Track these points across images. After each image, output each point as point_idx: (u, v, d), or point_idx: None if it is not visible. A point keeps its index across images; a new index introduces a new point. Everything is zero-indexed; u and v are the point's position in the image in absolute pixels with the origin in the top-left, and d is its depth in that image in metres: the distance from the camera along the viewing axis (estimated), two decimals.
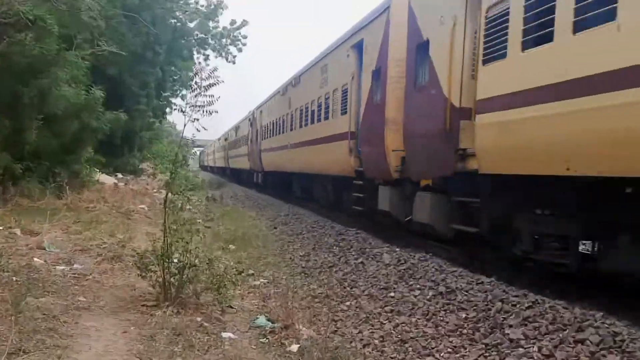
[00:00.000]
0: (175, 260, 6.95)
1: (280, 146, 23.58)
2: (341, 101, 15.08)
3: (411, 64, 10.38)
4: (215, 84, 7.05)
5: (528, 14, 6.81)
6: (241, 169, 38.90)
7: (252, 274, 9.42)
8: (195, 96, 7.02)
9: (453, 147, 8.48)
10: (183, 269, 6.83)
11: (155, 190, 21.63)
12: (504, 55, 7.27)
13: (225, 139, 53.12)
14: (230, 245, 11.73)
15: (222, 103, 7.37)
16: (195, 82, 7.06)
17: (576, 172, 5.91)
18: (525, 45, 6.82)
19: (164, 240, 6.96)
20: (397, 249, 10.62)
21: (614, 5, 5.40)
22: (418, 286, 8.14)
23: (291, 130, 21.86)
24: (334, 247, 11.94)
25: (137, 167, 33.01)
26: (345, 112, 14.54)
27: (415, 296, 7.77)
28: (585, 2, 5.81)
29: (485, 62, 7.71)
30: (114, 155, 28.87)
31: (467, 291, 7.44)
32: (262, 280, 9.07)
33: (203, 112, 7.07)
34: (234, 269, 7.23)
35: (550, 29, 6.31)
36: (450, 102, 8.62)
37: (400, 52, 10.90)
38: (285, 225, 16.36)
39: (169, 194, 7.37)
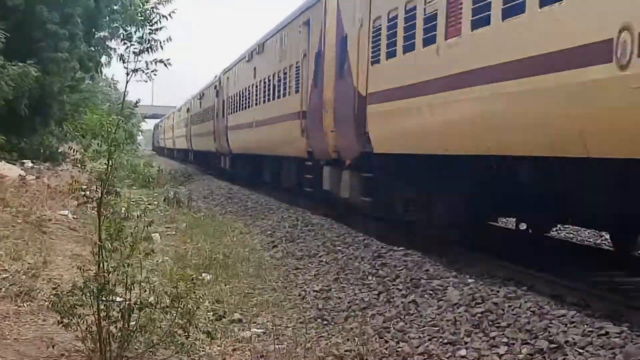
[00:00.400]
0: (118, 299, 6.97)
1: (246, 123, 30.85)
2: (295, 78, 22.62)
3: (338, 53, 17.94)
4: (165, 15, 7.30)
5: (389, 32, 14.39)
6: (207, 151, 46.69)
7: (240, 320, 9.46)
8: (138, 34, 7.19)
9: (361, 130, 15.71)
10: (129, 312, 6.84)
11: (85, 187, 21.74)
12: (378, 61, 15.04)
13: (188, 110, 59.88)
14: (204, 274, 11.75)
15: (193, 60, 7.70)
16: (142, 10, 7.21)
17: (427, 151, 13.09)
18: (387, 56, 14.55)
19: (99, 266, 6.97)
20: (470, 280, 10.58)
21: (434, 33, 12.28)
22: (504, 340, 8.10)
23: (256, 105, 29.45)
24: (370, 277, 11.92)
25: (56, 150, 33.29)
26: (298, 91, 21.92)
27: (499, 355, 7.74)
28: (409, 32, 13.40)
29: (372, 63, 15.31)
30: (18, 133, 29.12)
31: (582, 348, 7.39)
32: (255, 330, 9.08)
33: (151, 62, 7.25)
34: (210, 312, 7.22)
35: (394, 48, 14.15)
36: (357, 90, 16.00)
37: (332, 39, 18.15)
38: (292, 241, 16.38)
39: (105, 193, 7.37)
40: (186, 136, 59.87)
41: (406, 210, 14.98)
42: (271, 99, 26.65)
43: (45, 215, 15.58)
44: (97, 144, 7.34)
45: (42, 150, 31.92)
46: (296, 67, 22.50)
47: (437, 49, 11.99)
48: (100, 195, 7.34)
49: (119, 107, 8.13)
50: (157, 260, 8.23)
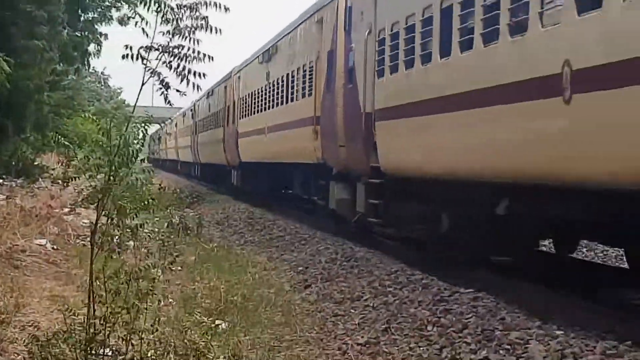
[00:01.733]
0: (108, 353, 6.98)
1: (258, 129, 34.87)
2: (308, 80, 26.22)
3: (346, 61, 21.44)
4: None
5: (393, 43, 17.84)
6: (215, 164, 49.91)
7: None
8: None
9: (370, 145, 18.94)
10: None
11: (67, 210, 21.88)
12: (382, 75, 18.46)
13: (193, 114, 62.83)
14: (218, 322, 11.76)
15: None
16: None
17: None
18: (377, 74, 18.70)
19: (89, 310, 7.00)
20: (559, 332, 10.50)
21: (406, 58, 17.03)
22: None
23: (269, 109, 33.39)
24: (429, 327, 11.88)
25: (32, 162, 33.52)
26: (311, 94, 25.56)
27: None
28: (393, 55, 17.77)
29: (377, 75, 18.73)
30: None
31: None
32: None
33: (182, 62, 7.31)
34: None
35: (382, 67, 18.37)
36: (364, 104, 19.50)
37: (342, 44, 21.73)
38: (329, 281, 16.37)
39: (102, 219, 7.43)
40: (192, 146, 62.41)
41: (418, 229, 17.41)
42: (284, 102, 30.87)
43: (17, 245, 15.69)
44: (92, 155, 7.39)
45: (14, 163, 32.13)
46: (309, 68, 26.25)
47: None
48: (95, 221, 7.38)
49: (115, 107, 8.18)
50: (159, 303, 8.22)
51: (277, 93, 31.93)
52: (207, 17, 7.67)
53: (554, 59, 10.87)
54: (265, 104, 34.51)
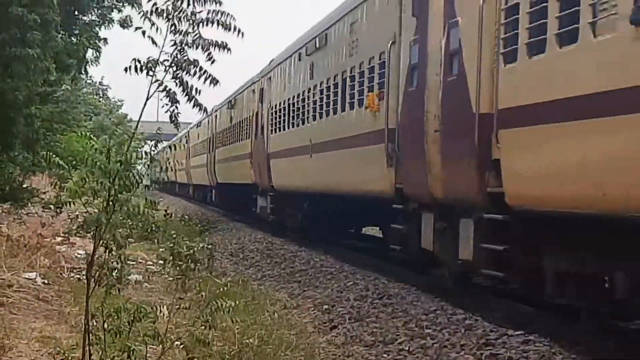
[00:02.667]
0: None
1: (298, 147, 31.35)
2: (378, 79, 22.24)
3: (447, 41, 17.09)
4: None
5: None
6: (238, 184, 46.79)
7: None
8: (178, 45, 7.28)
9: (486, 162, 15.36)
10: None
11: (61, 239, 21.97)
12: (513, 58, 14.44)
13: (210, 126, 60.94)
14: None
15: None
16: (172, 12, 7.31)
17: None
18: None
19: (84, 354, 7.04)
20: None
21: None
22: None
23: (315, 119, 29.58)
24: None
25: (20, 185, 33.66)
26: (382, 98, 21.62)
27: None
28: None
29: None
30: None
31: None
32: None
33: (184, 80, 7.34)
34: None
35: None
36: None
37: (439, 18, 17.50)
38: (359, 321, 16.37)
39: (100, 250, 7.47)
40: (208, 167, 59.86)
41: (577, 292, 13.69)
42: (337, 111, 26.70)
43: (3, 279, 15.78)
44: (89, 177, 7.44)
45: (0, 186, 32.28)
46: (379, 62, 22.09)
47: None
48: (92, 252, 7.43)
49: (115, 123, 8.24)
50: (165, 347, 8.26)
51: (327, 99, 27.58)
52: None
53: None
54: (308, 113, 30.25)
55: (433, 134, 17.20)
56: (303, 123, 31.08)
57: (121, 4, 34.34)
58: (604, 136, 11.52)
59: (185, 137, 78.49)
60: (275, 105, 36.51)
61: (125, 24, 35.06)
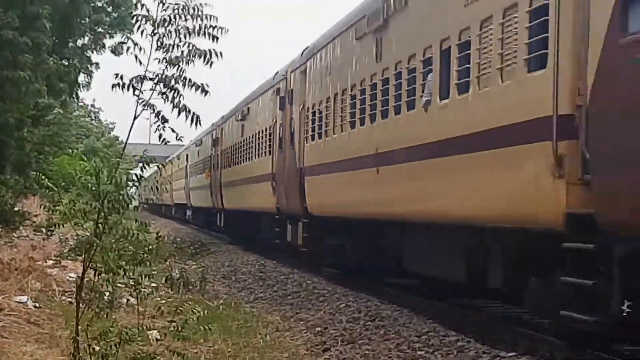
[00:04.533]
0: None
1: (350, 160, 23.30)
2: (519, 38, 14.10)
3: None
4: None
5: None
6: (256, 209, 39.46)
7: None
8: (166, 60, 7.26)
9: None
10: None
11: (52, 262, 21.97)
12: None
13: (214, 138, 54.66)
14: None
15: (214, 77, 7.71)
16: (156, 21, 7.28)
17: None
18: None
19: None
20: None
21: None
22: None
23: (382, 117, 21.00)
24: None
25: (11, 208, 33.62)
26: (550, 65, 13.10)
27: None
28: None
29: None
30: None
31: None
32: None
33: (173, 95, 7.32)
34: None
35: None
36: None
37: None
38: (351, 343, 16.36)
39: (89, 273, 7.45)
40: (212, 188, 53.70)
41: None
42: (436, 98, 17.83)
43: None
44: (79, 199, 7.41)
45: None
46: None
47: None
48: (81, 275, 7.40)
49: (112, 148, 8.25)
50: None
51: (408, 85, 19.22)
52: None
53: None
54: (372, 109, 21.56)
55: None
56: (363, 123, 22.44)
57: (113, 30, 34.39)
58: None
59: (185, 155, 72.71)
60: (314, 105, 27.78)
61: (116, 50, 35.14)
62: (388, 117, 20.53)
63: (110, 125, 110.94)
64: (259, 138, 38.79)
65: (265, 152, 36.90)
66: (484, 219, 15.46)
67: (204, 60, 7.69)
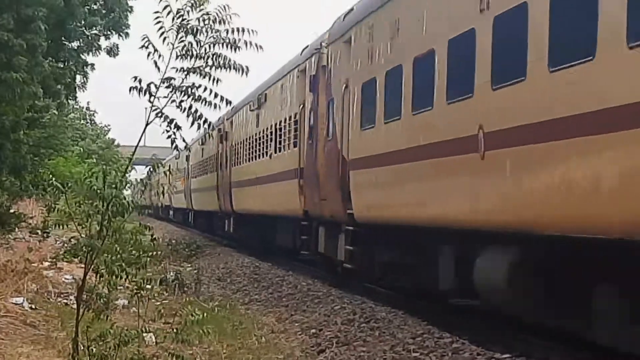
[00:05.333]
0: None
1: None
2: None
3: None
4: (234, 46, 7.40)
5: None
6: (275, 213, 33.54)
7: None
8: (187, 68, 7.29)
9: None
10: None
11: (48, 264, 21.97)
12: None
13: (222, 133, 48.09)
14: None
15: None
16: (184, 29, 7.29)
17: None
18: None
19: None
20: None
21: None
22: None
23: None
24: None
25: (8, 210, 33.62)
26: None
27: None
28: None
29: None
30: None
31: None
32: None
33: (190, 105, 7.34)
34: None
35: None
36: None
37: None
38: (346, 345, 16.37)
39: (91, 275, 7.47)
40: (219, 189, 47.21)
41: None
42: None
43: None
44: (81, 201, 7.43)
45: None
46: None
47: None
48: (83, 278, 7.42)
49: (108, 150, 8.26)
50: None
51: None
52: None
53: None
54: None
55: None
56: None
57: (108, 32, 34.37)
58: None
59: (185, 156, 64.96)
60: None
61: (112, 52, 35.16)
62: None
63: (106, 128, 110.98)
64: (280, 128, 32.53)
65: (288, 145, 30.77)
66: None
67: (232, 69, 7.67)
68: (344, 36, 23.51)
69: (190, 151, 59.90)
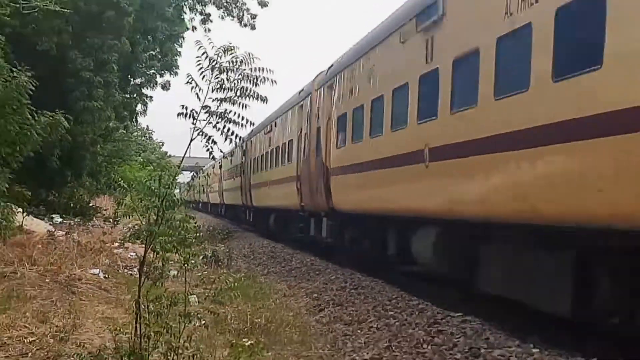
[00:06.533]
0: None
1: None
2: None
3: None
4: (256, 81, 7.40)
5: None
6: (281, 207, 34.19)
7: None
8: (220, 98, 7.31)
9: None
10: None
11: (116, 245, 21.96)
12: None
13: (244, 150, 47.11)
14: (245, 340, 11.72)
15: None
16: (218, 68, 7.32)
17: None
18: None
19: (135, 330, 7.01)
20: (535, 350, 10.44)
21: None
22: None
23: None
24: (424, 346, 11.82)
25: (87, 204, 33.61)
26: None
27: None
28: None
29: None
30: (48, 185, 29.49)
31: None
32: None
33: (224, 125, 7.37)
34: None
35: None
36: None
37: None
38: (339, 305, 16.31)
39: (149, 253, 7.48)
40: (242, 189, 46.92)
41: None
42: None
43: (74, 274, 15.73)
44: (142, 197, 7.43)
45: (72, 205, 32.24)
46: None
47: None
48: (143, 255, 7.43)
49: (162, 160, 8.32)
50: (194, 324, 8.22)
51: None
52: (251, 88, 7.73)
53: None
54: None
55: None
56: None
57: (163, 72, 34.40)
58: None
59: (218, 164, 63.41)
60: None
61: (165, 87, 35.20)
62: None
63: (160, 143, 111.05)
64: (285, 147, 33.32)
65: (289, 159, 32.08)
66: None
67: (255, 99, 7.69)
68: (327, 83, 25.26)
69: (222, 161, 59.23)
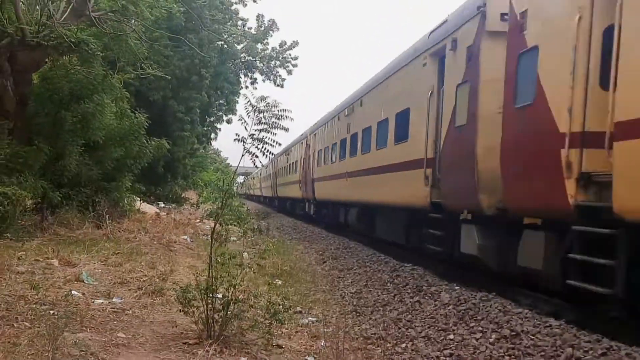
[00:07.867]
0: (220, 296, 7.04)
1: None
2: None
3: None
4: (280, 118, 7.38)
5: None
6: (291, 197, 36.74)
7: (300, 312, 9.44)
8: (259, 129, 7.31)
9: None
10: (228, 305, 6.90)
11: (198, 221, 22.01)
12: None
13: (273, 164, 45.14)
14: (276, 280, 11.77)
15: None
16: (258, 110, 7.33)
17: None
18: None
19: (209, 273, 7.06)
20: (457, 287, 10.46)
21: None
22: (479, 328, 7.99)
23: None
24: (388, 284, 11.85)
25: (180, 196, 33.67)
26: None
27: (476, 339, 7.63)
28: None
29: None
30: (156, 184, 29.56)
31: (533, 335, 7.27)
32: (310, 318, 9.05)
33: (262, 145, 7.37)
34: (281, 306, 7.25)
35: None
36: None
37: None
38: (336, 259, 16.33)
39: (217, 225, 7.51)
40: (273, 184, 46.13)
41: None
42: None
43: (172, 239, 15.80)
44: (207, 193, 7.54)
45: (170, 196, 32.31)
46: None
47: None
48: (214, 225, 7.49)
49: (232, 170, 8.34)
50: (248, 271, 8.28)
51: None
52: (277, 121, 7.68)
53: None
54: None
55: None
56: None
57: (227, 113, 34.45)
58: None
59: (260, 171, 60.93)
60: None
61: (228, 121, 35.26)
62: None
63: (226, 159, 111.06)
64: (294, 164, 34.49)
65: (296, 171, 33.30)
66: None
67: (280, 129, 7.66)
68: (313, 132, 28.35)
69: (261, 170, 59.37)
